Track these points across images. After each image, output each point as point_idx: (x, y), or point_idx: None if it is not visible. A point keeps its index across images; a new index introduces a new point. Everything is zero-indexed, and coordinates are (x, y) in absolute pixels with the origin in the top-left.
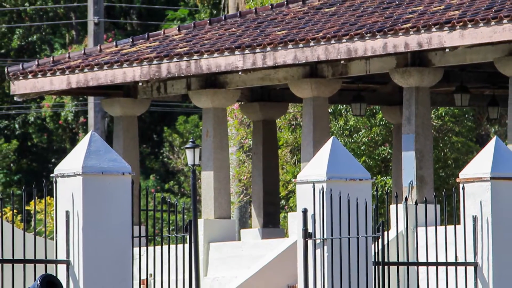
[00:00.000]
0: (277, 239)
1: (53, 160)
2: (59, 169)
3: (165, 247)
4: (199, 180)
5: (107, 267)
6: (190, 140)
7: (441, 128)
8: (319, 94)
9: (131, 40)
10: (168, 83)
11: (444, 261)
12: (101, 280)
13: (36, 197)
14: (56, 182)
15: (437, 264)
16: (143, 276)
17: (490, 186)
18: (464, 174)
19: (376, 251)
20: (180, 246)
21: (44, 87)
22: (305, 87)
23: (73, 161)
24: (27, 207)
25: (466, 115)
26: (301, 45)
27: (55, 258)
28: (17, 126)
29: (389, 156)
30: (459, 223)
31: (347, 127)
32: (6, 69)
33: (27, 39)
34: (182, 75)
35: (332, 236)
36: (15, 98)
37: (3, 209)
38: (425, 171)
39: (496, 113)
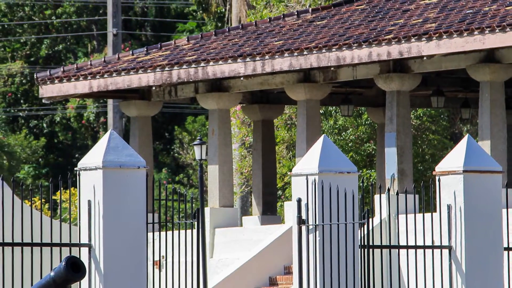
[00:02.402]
0: (274, 225)
1: (76, 156)
2: (82, 163)
3: (176, 232)
4: (206, 173)
5: (124, 250)
6: (198, 138)
7: (420, 127)
8: (312, 97)
9: (145, 49)
10: (178, 87)
11: (422, 244)
12: (119, 261)
13: (61, 188)
14: (79, 175)
15: (416, 247)
16: (156, 258)
17: (463, 178)
18: (439, 167)
19: (362, 235)
20: (189, 231)
21: (69, 91)
22: (299, 91)
23: (94, 156)
24: (53, 197)
25: (442, 116)
26: (295, 53)
27: (78, 242)
28: (45, 125)
29: (373, 152)
30: (435, 211)
31: (337, 126)
32: (35, 75)
33: (53, 49)
34: (191, 80)
35: (323, 222)
36: (43, 101)
37: (32, 198)
38: (405, 165)
39: (468, 113)
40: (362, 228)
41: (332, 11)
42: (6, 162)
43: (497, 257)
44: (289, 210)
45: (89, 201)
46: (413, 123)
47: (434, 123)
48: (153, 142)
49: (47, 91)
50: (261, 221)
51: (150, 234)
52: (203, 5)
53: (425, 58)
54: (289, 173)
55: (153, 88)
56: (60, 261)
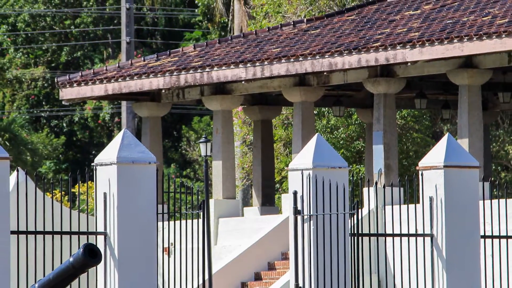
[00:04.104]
0: (273, 215)
1: (93, 152)
2: (98, 159)
3: (183, 221)
4: (211, 168)
5: (137, 238)
6: (203, 136)
7: (404, 126)
8: (306, 99)
9: (156, 56)
10: (186, 90)
11: (407, 233)
12: (132, 248)
13: (80, 182)
14: (96, 170)
15: (401, 235)
16: (166, 245)
17: (443, 173)
18: (422, 163)
19: (352, 225)
20: (195, 221)
21: (86, 93)
22: (295, 93)
23: (109, 153)
24: (72, 190)
25: (424, 116)
26: (292, 60)
27: (95, 231)
28: (64, 124)
29: (362, 149)
30: (418, 203)
31: (329, 125)
32: (56, 79)
33: (72, 55)
34: (197, 84)
35: (317, 213)
36: (63, 102)
37: (53, 191)
38: (391, 160)
39: (448, 114)
40: (352, 218)
41: (325, 21)
42: (30, 158)
43: (475, 244)
44: (286, 201)
45: (104, 194)
46: (398, 122)
47: (417, 122)
48: (162, 140)
49: (66, 93)
50: (260, 211)
51: (160, 224)
52: (208, 16)
53: (409, 63)
54: (286, 168)
55: (163, 91)
56: (78, 248)
